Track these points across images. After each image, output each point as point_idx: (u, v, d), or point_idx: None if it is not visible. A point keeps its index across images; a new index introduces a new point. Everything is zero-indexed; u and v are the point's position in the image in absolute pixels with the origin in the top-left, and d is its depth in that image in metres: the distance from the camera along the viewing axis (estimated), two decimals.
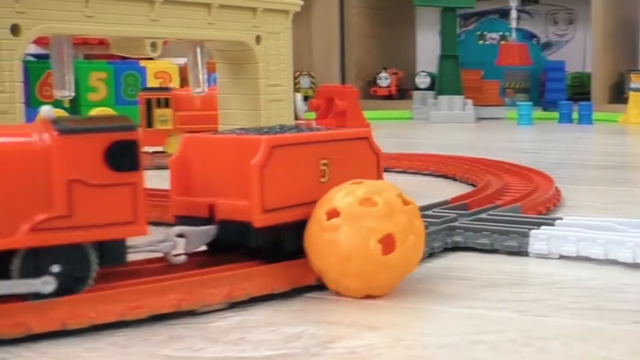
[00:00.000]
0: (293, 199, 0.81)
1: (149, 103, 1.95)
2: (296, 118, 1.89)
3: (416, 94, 3.69)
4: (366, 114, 2.68)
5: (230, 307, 0.76)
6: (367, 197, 0.77)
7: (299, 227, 0.80)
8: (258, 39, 1.24)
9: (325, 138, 0.85)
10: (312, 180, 0.83)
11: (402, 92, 4.14)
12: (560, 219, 1.01)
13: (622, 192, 1.44)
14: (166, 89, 2.07)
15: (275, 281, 0.79)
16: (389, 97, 4.12)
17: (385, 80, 4.10)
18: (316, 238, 0.77)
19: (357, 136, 0.89)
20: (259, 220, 0.78)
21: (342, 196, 0.78)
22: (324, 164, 0.84)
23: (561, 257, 0.93)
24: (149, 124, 1.93)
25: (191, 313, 0.74)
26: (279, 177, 0.79)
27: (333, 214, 0.77)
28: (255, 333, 0.69)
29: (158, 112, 1.94)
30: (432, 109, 3.47)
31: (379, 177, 0.89)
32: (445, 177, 1.64)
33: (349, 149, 0.87)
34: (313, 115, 2.90)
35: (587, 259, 0.91)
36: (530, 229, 0.96)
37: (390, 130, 2.94)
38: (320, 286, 0.80)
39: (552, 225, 0.98)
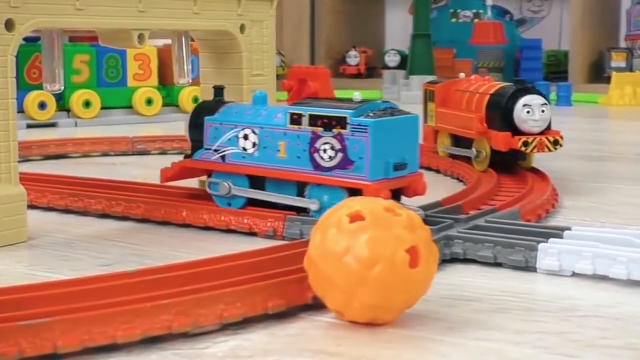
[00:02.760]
0: None
1: (426, 95, 1.66)
2: (517, 131, 1.34)
3: (386, 74, 3.60)
4: (336, 93, 2.62)
5: (223, 328, 0.69)
6: (389, 207, 0.70)
7: None
8: (242, 28, 1.20)
9: None
10: None
11: (371, 70, 4.10)
12: (569, 229, 0.93)
13: (621, 190, 1.37)
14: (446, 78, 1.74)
15: (269, 300, 0.73)
16: (358, 75, 4.08)
17: (354, 58, 4.06)
18: (332, 242, 0.68)
19: None
20: None
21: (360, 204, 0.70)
22: None
23: (574, 274, 0.86)
24: (426, 118, 1.65)
25: (184, 335, 0.68)
26: None
27: (357, 217, 0.69)
28: None
29: (429, 107, 1.63)
30: (403, 89, 3.40)
31: None
32: (428, 169, 1.55)
33: None
34: (285, 96, 2.85)
35: (602, 278, 0.84)
36: (538, 242, 0.88)
37: None
38: (315, 305, 0.74)
39: (560, 237, 0.90)
